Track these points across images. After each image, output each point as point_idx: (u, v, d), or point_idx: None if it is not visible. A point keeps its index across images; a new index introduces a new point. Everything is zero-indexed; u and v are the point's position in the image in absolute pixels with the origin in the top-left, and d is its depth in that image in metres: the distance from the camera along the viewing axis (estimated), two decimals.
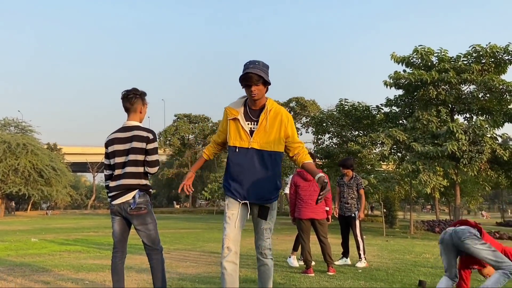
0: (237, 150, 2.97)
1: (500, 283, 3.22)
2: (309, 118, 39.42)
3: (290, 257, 6.68)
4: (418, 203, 49.86)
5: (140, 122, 3.47)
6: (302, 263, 6.69)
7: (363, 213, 7.04)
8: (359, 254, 6.63)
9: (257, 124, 2.99)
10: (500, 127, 16.70)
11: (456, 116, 17.74)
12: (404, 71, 17.16)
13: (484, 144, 14.42)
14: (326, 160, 23.93)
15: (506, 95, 16.06)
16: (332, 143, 24.08)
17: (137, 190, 3.32)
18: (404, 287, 4.85)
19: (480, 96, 16.54)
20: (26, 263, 6.32)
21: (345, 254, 6.89)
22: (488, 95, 16.39)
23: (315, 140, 24.47)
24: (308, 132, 46.16)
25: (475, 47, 16.01)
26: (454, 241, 3.45)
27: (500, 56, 15.93)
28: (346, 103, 21.36)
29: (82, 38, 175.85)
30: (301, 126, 46.60)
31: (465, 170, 14.97)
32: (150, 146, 3.32)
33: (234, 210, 2.97)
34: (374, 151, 20.44)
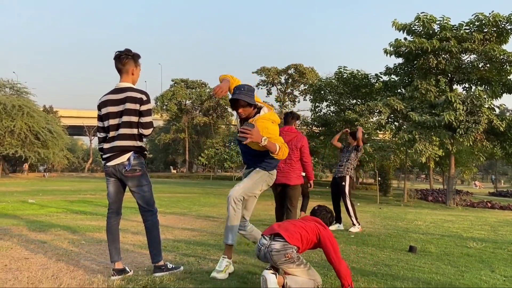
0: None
1: (306, 285, 2.94)
2: (307, 86, 39.12)
3: None
4: (413, 172, 50.40)
5: (133, 84, 3.40)
6: None
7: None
8: (351, 220, 6.75)
9: None
10: (498, 98, 16.70)
11: (455, 86, 17.63)
12: (405, 39, 16.89)
13: (481, 115, 14.41)
14: (323, 128, 23.95)
15: (506, 66, 15.93)
16: (329, 111, 24.04)
17: (131, 152, 3.31)
18: (395, 251, 4.95)
19: (480, 66, 16.38)
20: (23, 223, 6.39)
21: (338, 220, 7.00)
22: (488, 65, 16.23)
23: (313, 108, 24.41)
24: (306, 100, 46.07)
25: (478, 15, 15.71)
26: (270, 261, 2.91)
27: (503, 25, 15.66)
28: (345, 71, 21.16)
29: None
30: (299, 93, 46.33)
31: (461, 140, 15.02)
32: (144, 107, 3.27)
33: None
34: (371, 120, 20.44)
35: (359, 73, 20.72)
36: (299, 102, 47.28)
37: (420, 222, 8.41)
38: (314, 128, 25.03)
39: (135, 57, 3.38)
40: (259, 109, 3.48)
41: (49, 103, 61.01)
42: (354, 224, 6.73)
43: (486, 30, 15.85)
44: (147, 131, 3.31)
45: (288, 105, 46.30)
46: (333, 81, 22.00)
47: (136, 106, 3.26)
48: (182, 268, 3.57)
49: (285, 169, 5.27)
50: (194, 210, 9.40)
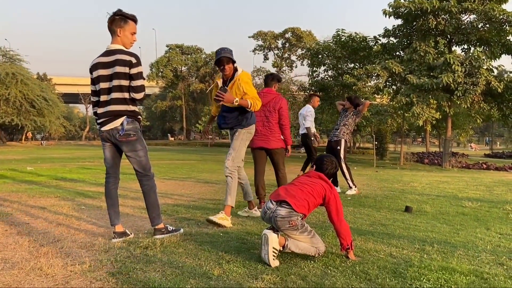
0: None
1: (307, 251, 2.92)
2: (304, 50, 38.54)
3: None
4: (409, 135, 50.61)
5: (124, 45, 3.28)
6: None
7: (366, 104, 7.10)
8: (348, 183, 6.81)
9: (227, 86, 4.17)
10: (497, 59, 16.50)
11: (453, 48, 17.39)
12: None
13: (480, 76, 14.30)
14: (321, 92, 23.79)
15: (506, 26, 15.65)
16: (327, 76, 23.79)
17: (125, 116, 3.26)
18: (391, 212, 5.03)
19: (479, 26, 16.11)
20: (22, 190, 6.43)
21: (335, 183, 7.05)
22: (487, 25, 15.96)
23: (310, 73, 24.14)
24: (304, 65, 45.54)
25: None
26: (274, 226, 2.92)
27: None
28: (343, 34, 20.76)
29: None
30: (296, 58, 45.72)
31: (458, 102, 14.98)
32: (134, 70, 3.18)
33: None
34: (369, 83, 20.27)
35: (358, 36, 20.34)
36: (296, 67, 46.82)
37: (416, 184, 8.51)
38: (311, 93, 24.86)
39: (122, 17, 3.24)
40: (235, 69, 4.18)
41: (42, 70, 60.15)
42: (350, 187, 6.79)
43: None
44: (138, 95, 3.24)
45: (285, 70, 45.82)
46: (331, 44, 21.62)
47: (125, 69, 3.17)
48: (182, 230, 3.62)
49: (264, 132, 5.01)
50: (192, 176, 9.46)
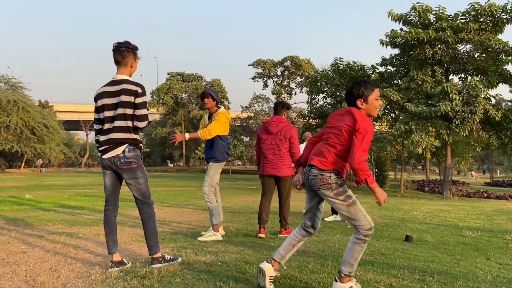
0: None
1: (357, 253, 2.75)
2: (303, 78, 39.05)
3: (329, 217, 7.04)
4: (409, 163, 50.57)
5: (130, 76, 3.40)
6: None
7: None
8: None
9: (210, 122, 5.02)
10: (494, 88, 16.72)
11: (451, 76, 17.64)
12: (401, 29, 16.86)
13: (477, 105, 14.44)
14: (319, 120, 23.94)
15: (502, 55, 15.95)
16: (326, 103, 24.02)
17: (126, 144, 3.31)
18: (391, 241, 4.99)
19: (476, 56, 16.40)
20: (20, 218, 6.39)
21: (335, 211, 7.02)
22: (484, 55, 16.25)
23: (309, 100, 24.39)
24: (302, 92, 46.00)
25: (473, 5, 15.69)
26: (312, 187, 2.86)
27: (498, 15, 15.65)
28: (341, 63, 21.10)
29: None
30: (295, 85, 46.23)
31: (457, 130, 15.07)
32: (139, 100, 3.26)
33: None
34: None
35: (355, 65, 20.68)
36: (295, 94, 47.13)
37: (416, 212, 8.46)
38: (310, 120, 25.04)
39: (134, 50, 3.39)
40: (219, 108, 5.04)
41: (44, 97, 60.68)
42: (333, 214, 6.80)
43: (481, 20, 15.85)
44: (141, 124, 3.30)
45: (284, 97, 46.23)
46: (329, 72, 21.95)
47: (131, 99, 3.25)
48: (180, 259, 3.58)
49: (275, 161, 5.12)
50: (191, 203, 9.42)
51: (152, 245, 3.43)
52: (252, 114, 44.96)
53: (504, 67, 16.48)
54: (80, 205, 8.42)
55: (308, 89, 24.19)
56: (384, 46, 17.14)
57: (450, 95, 14.57)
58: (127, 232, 5.21)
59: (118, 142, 3.30)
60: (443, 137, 16.02)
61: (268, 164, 5.15)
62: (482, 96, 15.07)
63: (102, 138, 3.35)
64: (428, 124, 15.10)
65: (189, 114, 49.96)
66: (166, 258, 3.48)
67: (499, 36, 16.03)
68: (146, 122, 3.34)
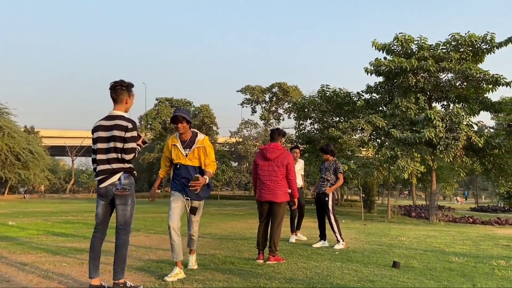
0: (178, 166, 4.45)
1: None
2: (291, 104, 39.50)
3: (291, 238, 7.32)
4: (396, 188, 50.93)
5: (126, 111, 3.67)
6: (303, 238, 7.25)
7: (331, 189, 6.87)
8: (336, 236, 6.77)
9: (189, 150, 4.39)
10: (476, 115, 17.13)
11: (434, 104, 18.04)
12: (385, 58, 17.31)
13: (460, 131, 14.75)
14: (307, 145, 24.12)
15: (483, 84, 16.41)
16: (313, 129, 24.26)
17: (122, 172, 3.55)
18: (378, 267, 5.00)
19: (457, 84, 16.86)
20: (3, 246, 6.25)
21: (323, 237, 7.01)
22: (465, 83, 16.71)
23: (297, 126, 24.61)
24: (290, 118, 46.38)
25: (454, 35, 16.24)
26: None
27: (478, 45, 16.19)
28: (327, 89, 21.45)
29: (57, 16, 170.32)
30: (283, 111, 46.70)
31: (441, 156, 15.30)
32: (128, 134, 3.53)
33: (177, 203, 4.44)
34: (354, 137, 20.70)
35: (341, 91, 21.04)
36: (283, 120, 47.56)
37: (403, 238, 8.50)
38: (298, 145, 25.21)
39: (128, 87, 3.67)
40: (195, 132, 4.45)
41: (30, 123, 60.05)
42: (338, 241, 6.74)
43: (462, 50, 16.37)
44: (128, 156, 3.55)
45: (272, 122, 46.61)
46: (316, 99, 22.27)
47: (121, 133, 3.52)
48: (142, 287, 3.72)
49: (271, 187, 5.27)
50: None
51: (118, 271, 3.55)
52: (241, 139, 45.08)
53: (485, 95, 16.94)
54: (64, 232, 8.27)
55: (295, 115, 24.46)
56: (369, 74, 17.53)
57: (434, 121, 14.88)
58: (112, 260, 5.11)
59: (114, 172, 3.55)
60: (428, 162, 16.25)
61: (265, 190, 5.31)
62: (465, 123, 15.41)
63: (99, 168, 3.59)
64: (413, 150, 15.33)
65: None
66: (127, 285, 3.59)
67: (480, 65, 16.53)
68: (133, 154, 3.59)
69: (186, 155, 4.37)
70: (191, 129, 4.46)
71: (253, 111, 47.13)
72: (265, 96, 46.51)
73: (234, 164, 49.22)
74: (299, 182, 7.71)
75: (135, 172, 3.70)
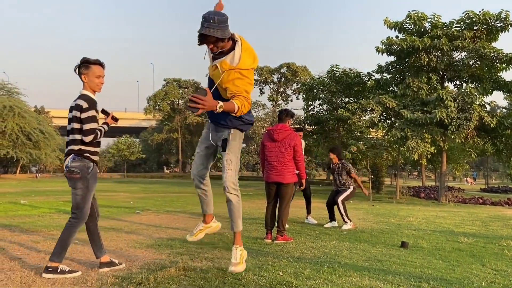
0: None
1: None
2: (299, 84, 39.21)
3: (307, 219, 7.33)
4: (405, 169, 50.71)
5: (94, 89, 3.45)
6: (313, 221, 7.20)
7: (365, 190, 7.55)
8: (342, 217, 6.79)
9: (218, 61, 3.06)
10: (489, 95, 16.85)
11: (446, 84, 17.77)
12: (397, 37, 16.98)
13: (473, 112, 14.54)
14: (316, 126, 24.02)
15: (497, 63, 16.08)
16: (322, 110, 24.12)
17: (72, 154, 3.40)
18: (387, 247, 5.00)
19: (471, 63, 16.53)
20: (15, 224, 6.36)
21: (332, 217, 7.05)
22: (478, 62, 16.38)
23: (305, 107, 24.47)
24: (299, 99, 46.16)
25: (468, 13, 15.84)
26: None
27: (492, 23, 15.80)
28: (337, 70, 21.22)
29: None
30: (292, 92, 46.44)
31: (452, 137, 15.14)
32: (84, 115, 3.34)
33: (200, 148, 3.44)
34: (364, 118, 20.53)
35: (352, 72, 20.80)
36: (292, 101, 47.35)
37: (412, 219, 8.48)
38: (307, 126, 25.13)
39: (82, 64, 3.43)
40: (234, 41, 3.03)
41: (40, 103, 60.49)
42: (345, 222, 6.76)
43: (476, 28, 15.99)
44: (86, 138, 3.35)
45: (281, 104, 46.40)
46: (326, 79, 22.06)
47: (77, 114, 3.36)
48: (79, 272, 3.39)
49: (279, 168, 5.30)
50: (187, 210, 9.40)
51: (55, 253, 3.36)
52: None
53: (498, 74, 16.62)
54: None
55: (304, 96, 24.29)
56: (380, 53, 17.26)
57: (446, 102, 14.67)
58: (123, 238, 5.20)
59: (68, 153, 3.43)
60: (438, 143, 16.10)
61: (273, 171, 5.33)
62: (477, 103, 15.18)
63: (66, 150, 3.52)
64: (424, 130, 15.17)
65: (186, 120, 49.95)
66: (58, 270, 3.29)
67: (494, 44, 16.18)
68: (92, 136, 3.35)
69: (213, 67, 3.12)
70: (235, 36, 3.05)
71: (261, 92, 46.90)
72: (273, 77, 46.17)
73: (242, 145, 49.24)
74: None
75: (88, 154, 3.41)
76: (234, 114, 2.94)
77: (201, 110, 2.66)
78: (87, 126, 3.33)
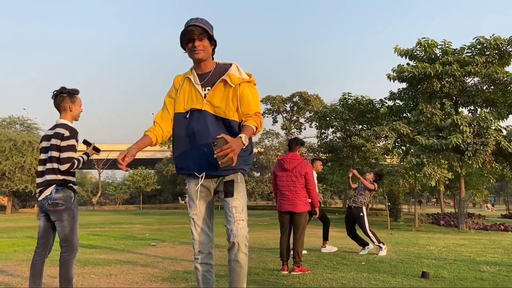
0: (187, 115, 2.62)
1: None
2: (312, 113, 39.39)
3: (323, 247, 7.25)
4: (423, 196, 49.78)
5: (74, 119, 3.47)
6: (333, 249, 7.16)
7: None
8: (376, 245, 6.91)
9: (210, 88, 2.58)
10: (504, 119, 16.68)
11: (460, 109, 17.67)
12: (408, 64, 17.09)
13: (489, 136, 14.37)
14: (329, 154, 23.95)
15: (511, 87, 15.99)
16: (335, 137, 24.09)
17: (54, 185, 3.30)
18: (407, 278, 4.88)
19: (484, 88, 16.47)
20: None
21: (363, 244, 7.10)
22: (492, 87, 16.32)
23: (319, 135, 24.49)
24: (312, 127, 46.22)
25: (479, 39, 15.91)
26: None
27: (504, 48, 15.82)
28: (349, 97, 21.33)
29: (82, 28, 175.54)
30: (305, 120, 46.55)
31: (469, 162, 14.92)
32: (64, 143, 3.31)
33: (194, 210, 2.71)
34: (378, 144, 20.41)
35: (364, 99, 20.87)
36: (305, 129, 47.40)
37: (432, 247, 8.29)
38: (321, 154, 25.06)
39: (70, 94, 3.43)
40: (222, 64, 2.65)
41: None
42: (380, 248, 6.93)
43: (488, 53, 16.02)
44: (62, 167, 3.28)
45: (294, 132, 46.51)
46: (338, 107, 22.15)
47: (58, 142, 3.31)
48: None
49: (291, 197, 5.30)
50: None
51: None
52: (263, 150, 45.14)
53: None
54: (92, 244, 8.42)
55: (317, 124, 24.36)
56: (392, 80, 17.33)
57: (461, 127, 14.55)
58: (139, 271, 5.19)
59: (48, 184, 3.30)
60: (455, 169, 15.86)
61: (285, 201, 5.33)
62: (493, 127, 15.02)
63: (38, 180, 3.39)
64: (440, 156, 15.00)
65: None
66: None
67: (506, 68, 16.15)
68: (69, 164, 3.28)
69: (205, 96, 2.59)
70: (216, 61, 2.67)
71: (274, 121, 47.17)
72: (286, 106, 46.50)
73: (257, 174, 49.22)
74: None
75: (72, 184, 3.36)
76: (253, 135, 2.53)
77: (235, 158, 2.23)
78: (64, 155, 3.28)
